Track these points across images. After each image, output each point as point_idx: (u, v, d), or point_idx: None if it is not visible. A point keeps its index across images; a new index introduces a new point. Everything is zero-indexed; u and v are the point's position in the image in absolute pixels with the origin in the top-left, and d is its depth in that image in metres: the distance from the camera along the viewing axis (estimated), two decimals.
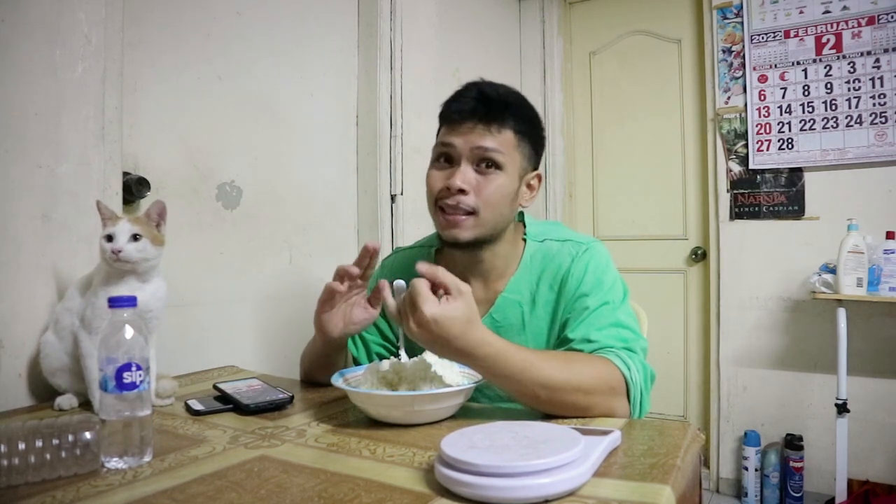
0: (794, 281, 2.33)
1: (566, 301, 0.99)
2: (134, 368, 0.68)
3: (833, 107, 2.26)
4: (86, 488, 0.61)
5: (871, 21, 2.20)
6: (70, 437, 0.64)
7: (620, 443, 0.70)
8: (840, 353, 1.98)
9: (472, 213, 0.96)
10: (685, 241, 2.67)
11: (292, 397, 0.94)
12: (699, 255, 2.62)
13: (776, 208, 2.39)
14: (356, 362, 1.11)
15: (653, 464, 0.64)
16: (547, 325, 1.02)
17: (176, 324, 1.30)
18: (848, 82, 2.24)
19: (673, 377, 2.65)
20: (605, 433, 0.67)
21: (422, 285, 0.77)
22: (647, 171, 2.73)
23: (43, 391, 0.99)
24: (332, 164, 1.82)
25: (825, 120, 2.27)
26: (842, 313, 1.98)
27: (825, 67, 2.27)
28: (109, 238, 0.88)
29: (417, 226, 1.92)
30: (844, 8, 2.24)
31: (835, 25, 2.26)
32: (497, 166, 0.97)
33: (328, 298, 0.95)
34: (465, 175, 0.96)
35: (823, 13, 2.28)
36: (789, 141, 2.34)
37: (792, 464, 2.26)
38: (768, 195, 2.40)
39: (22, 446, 0.62)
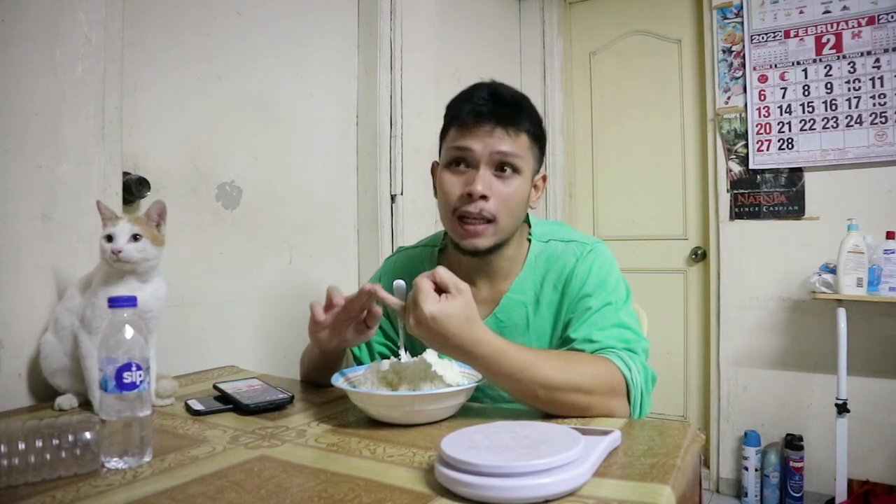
0: (794, 281, 2.33)
1: (569, 301, 0.99)
2: (134, 368, 0.68)
3: (833, 107, 2.26)
4: (86, 488, 0.61)
5: (871, 21, 2.19)
6: (70, 437, 0.64)
7: (620, 443, 0.70)
8: (840, 353, 1.98)
9: (491, 220, 0.95)
10: (685, 241, 2.67)
11: (292, 397, 0.94)
12: (699, 255, 2.62)
13: (776, 208, 2.39)
14: (358, 362, 1.10)
15: (653, 464, 0.64)
16: (550, 326, 1.02)
17: (176, 324, 1.30)
18: (848, 82, 2.23)
19: (673, 377, 2.65)
20: (605, 433, 0.67)
21: (425, 283, 0.78)
22: (647, 171, 2.73)
23: (43, 391, 0.99)
24: (332, 164, 1.82)
25: (825, 120, 2.27)
26: (842, 313, 1.98)
27: (825, 67, 2.27)
28: (109, 238, 0.88)
29: (417, 226, 1.92)
30: (844, 8, 2.24)
31: (835, 25, 2.26)
32: (515, 170, 0.97)
33: (314, 322, 0.93)
34: (485, 180, 0.94)
35: (823, 13, 2.28)
36: (789, 141, 2.34)
37: (792, 464, 2.26)
38: (768, 195, 2.40)
39: (22, 446, 0.62)
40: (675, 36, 2.67)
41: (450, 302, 0.77)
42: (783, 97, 2.35)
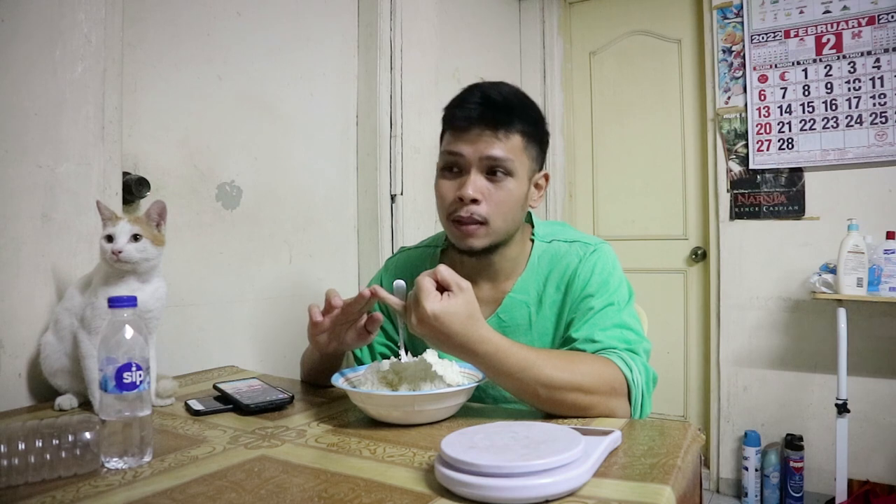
0: (794, 281, 2.33)
1: (572, 301, 0.99)
2: (134, 368, 0.68)
3: (833, 107, 2.26)
4: (86, 488, 0.61)
5: (871, 21, 2.19)
6: (70, 437, 0.64)
7: (621, 443, 0.70)
8: (840, 353, 1.98)
9: (483, 223, 0.96)
10: (685, 241, 2.67)
11: (292, 397, 0.94)
12: (699, 255, 2.62)
13: (776, 208, 2.38)
14: (359, 362, 1.10)
15: (653, 464, 0.64)
16: (553, 326, 1.02)
17: (176, 324, 1.30)
18: (848, 82, 2.23)
19: (673, 377, 2.65)
20: (606, 433, 0.67)
21: (427, 281, 0.78)
22: (647, 171, 2.73)
23: (43, 391, 0.99)
24: (332, 164, 1.82)
25: (825, 120, 2.27)
26: (842, 313, 1.98)
27: (825, 67, 2.27)
28: (109, 238, 0.88)
29: (417, 226, 1.92)
30: (844, 8, 2.24)
31: (835, 25, 2.26)
32: (507, 173, 0.97)
33: (313, 325, 0.93)
34: (476, 184, 0.95)
35: (823, 13, 2.28)
36: (789, 141, 2.34)
37: (792, 464, 2.26)
38: (768, 195, 2.40)
39: (22, 446, 0.62)
40: (675, 36, 2.67)
41: (452, 300, 0.77)
42: (783, 97, 2.35)
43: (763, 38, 2.38)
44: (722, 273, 2.48)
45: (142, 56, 1.29)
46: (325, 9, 1.77)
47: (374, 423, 0.83)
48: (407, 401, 0.80)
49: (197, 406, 0.91)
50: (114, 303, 0.70)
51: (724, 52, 2.47)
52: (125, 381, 0.68)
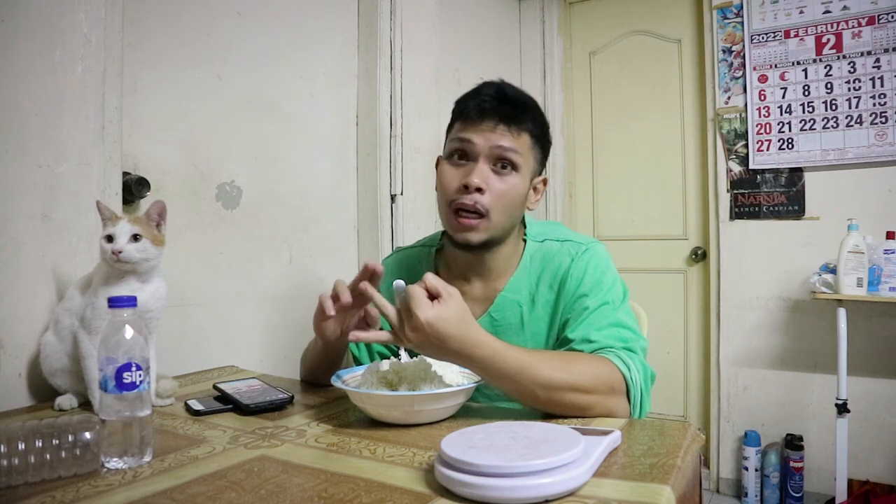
0: (794, 281, 2.33)
1: (566, 301, 0.99)
2: (134, 368, 0.68)
3: (833, 107, 2.26)
4: (86, 488, 0.61)
5: (871, 21, 2.19)
6: (70, 437, 0.64)
7: (620, 443, 0.70)
8: (840, 353, 1.98)
9: (484, 215, 0.96)
10: (685, 241, 2.67)
11: (292, 397, 0.94)
12: (699, 255, 2.62)
13: (776, 208, 2.39)
14: (357, 362, 1.11)
15: (653, 464, 0.64)
16: (546, 326, 1.02)
17: (176, 324, 1.30)
18: (848, 82, 2.23)
19: (673, 377, 2.65)
20: (606, 433, 0.67)
21: (417, 290, 0.77)
22: (647, 172, 2.73)
23: (43, 391, 0.99)
24: (332, 164, 1.82)
25: (825, 120, 2.27)
26: (842, 313, 1.98)
27: (825, 67, 2.27)
28: (110, 238, 0.88)
29: (417, 226, 1.92)
30: (844, 8, 2.24)
31: (835, 25, 2.26)
32: (513, 167, 0.97)
33: (321, 313, 0.93)
34: (482, 173, 0.95)
35: (823, 13, 2.28)
36: (789, 141, 2.34)
37: (792, 464, 2.26)
38: (768, 195, 2.40)
39: (22, 446, 0.62)
40: (675, 36, 2.67)
41: (443, 305, 0.77)
42: (783, 97, 2.35)
43: (763, 38, 2.38)
44: (722, 273, 2.49)
45: (142, 56, 1.29)
46: (325, 9, 1.77)
47: (374, 423, 0.83)
48: (407, 401, 0.80)
49: (197, 406, 0.91)
50: (114, 303, 0.70)
51: (724, 52, 2.47)
52: (125, 381, 0.68)
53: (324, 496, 0.59)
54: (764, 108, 2.38)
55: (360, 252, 1.89)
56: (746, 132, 2.42)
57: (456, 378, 0.88)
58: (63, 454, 0.64)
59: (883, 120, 2.17)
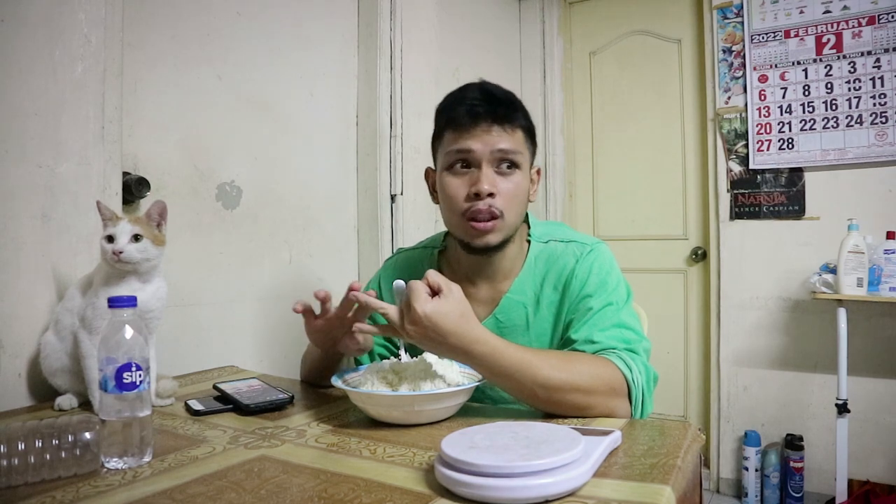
0: (794, 281, 2.33)
1: (570, 302, 0.99)
2: (134, 368, 0.68)
3: (833, 107, 2.26)
4: (86, 488, 0.61)
5: (871, 21, 2.19)
6: (70, 438, 0.64)
7: (621, 443, 0.70)
8: (840, 353, 1.97)
9: (498, 217, 0.96)
10: (685, 241, 2.67)
11: (292, 397, 0.94)
12: (699, 255, 2.62)
13: (776, 208, 2.38)
14: (358, 362, 1.10)
15: (653, 464, 0.64)
16: (551, 326, 1.02)
17: (176, 324, 1.30)
18: (848, 82, 2.23)
19: (673, 377, 2.65)
20: (606, 433, 0.67)
21: (418, 284, 0.78)
22: (647, 171, 2.73)
23: (43, 391, 0.99)
24: (332, 164, 1.82)
25: (825, 120, 2.27)
26: (842, 313, 1.98)
27: (825, 67, 2.27)
28: (110, 239, 0.88)
29: (417, 226, 1.92)
30: (845, 8, 2.24)
31: (835, 25, 2.25)
32: (516, 165, 0.98)
33: (308, 324, 0.94)
34: (489, 178, 0.95)
35: (824, 13, 2.27)
36: (789, 141, 2.34)
37: (792, 464, 2.26)
38: (768, 195, 2.40)
39: (22, 446, 0.62)
40: (675, 36, 2.67)
41: (442, 300, 0.78)
42: (783, 97, 2.35)
43: (763, 37, 2.38)
44: (722, 273, 2.48)
45: (142, 56, 1.29)
46: (325, 9, 1.77)
47: (374, 423, 0.83)
48: (407, 401, 0.80)
49: (197, 406, 0.91)
50: (114, 303, 0.70)
51: (724, 52, 2.47)
52: (125, 381, 0.68)
53: (324, 496, 0.59)
54: (764, 108, 2.38)
55: (360, 252, 1.89)
56: (746, 132, 2.42)
57: (456, 378, 0.87)
58: (63, 454, 0.64)
59: (883, 120, 2.17)
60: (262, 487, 0.61)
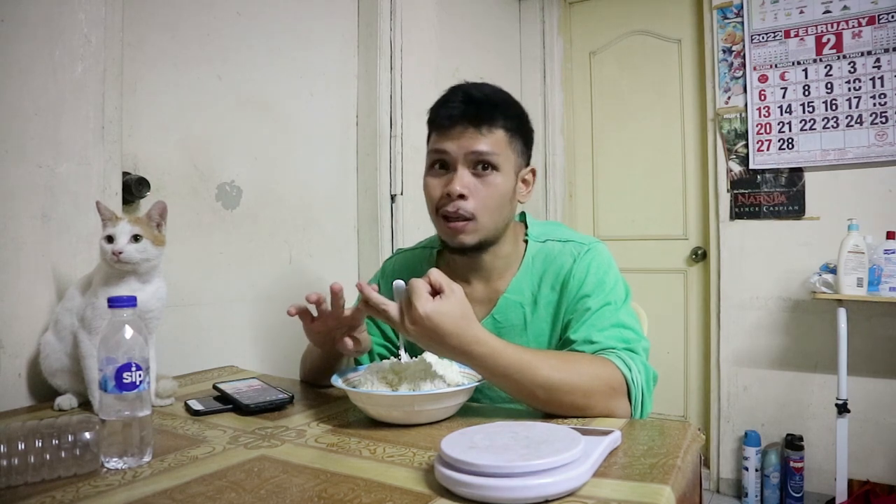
0: (794, 281, 2.33)
1: (568, 302, 0.99)
2: (134, 368, 0.68)
3: (833, 107, 2.26)
4: (86, 488, 0.61)
5: (871, 21, 2.19)
6: (70, 438, 0.64)
7: (620, 443, 0.70)
8: (840, 353, 1.97)
9: (470, 218, 0.96)
10: (685, 241, 2.67)
11: (292, 397, 0.94)
12: (699, 255, 2.62)
13: (776, 208, 2.38)
14: (358, 362, 1.10)
15: (653, 464, 0.64)
16: (549, 326, 1.02)
17: (176, 324, 1.30)
18: (848, 82, 2.23)
19: (673, 377, 2.65)
20: (606, 433, 0.67)
21: (419, 283, 0.78)
22: (647, 171, 2.73)
23: (43, 391, 0.99)
24: (332, 164, 1.82)
25: (825, 120, 2.27)
26: (842, 313, 1.98)
27: (825, 67, 2.27)
28: (110, 239, 0.88)
29: (417, 226, 1.91)
30: (845, 8, 2.24)
31: (835, 25, 2.25)
32: (493, 167, 0.97)
33: (305, 324, 0.94)
34: (462, 180, 0.96)
35: (824, 13, 2.27)
36: (789, 141, 2.34)
37: (792, 464, 2.26)
38: (768, 195, 2.40)
39: (22, 446, 0.62)
40: (675, 36, 2.67)
41: (443, 301, 0.78)
42: (783, 97, 2.35)
43: (763, 37, 2.38)
44: (722, 273, 2.48)
45: (142, 56, 1.29)
46: (325, 9, 1.77)
47: (374, 423, 0.83)
48: (407, 401, 0.80)
49: (197, 406, 0.91)
50: (114, 303, 0.70)
51: (724, 52, 2.47)
52: (125, 381, 0.68)
53: (324, 496, 0.59)
54: (764, 108, 2.38)
55: (360, 252, 1.89)
56: (746, 132, 2.42)
57: (456, 378, 0.87)
58: (63, 454, 0.64)
59: (883, 120, 2.17)
60: (261, 487, 0.61)
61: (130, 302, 0.71)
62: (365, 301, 0.82)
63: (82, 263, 1.05)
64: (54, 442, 0.64)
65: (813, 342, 2.31)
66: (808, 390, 2.32)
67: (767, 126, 2.38)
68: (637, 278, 2.51)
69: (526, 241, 1.07)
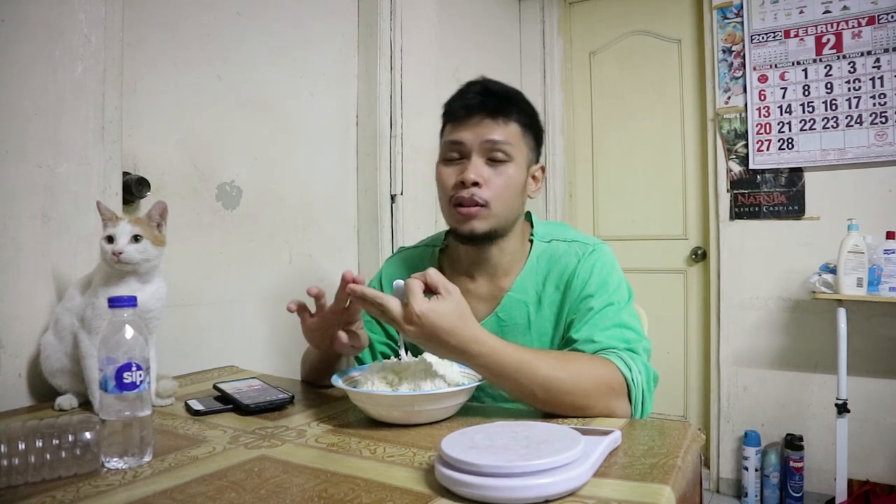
0: (794, 281, 2.33)
1: (571, 302, 0.99)
2: (134, 368, 0.68)
3: (833, 107, 2.26)
4: (86, 488, 0.61)
5: (871, 21, 2.19)
6: (70, 437, 0.64)
7: (621, 443, 0.70)
8: (840, 353, 1.97)
9: (484, 205, 0.97)
10: (685, 241, 2.67)
11: (292, 397, 0.94)
12: (699, 255, 2.62)
13: (776, 208, 2.38)
14: (359, 362, 1.10)
15: (653, 464, 0.64)
16: (552, 326, 1.02)
17: (176, 324, 1.30)
18: (848, 82, 2.23)
19: (673, 377, 2.65)
20: (606, 433, 0.67)
21: (414, 283, 0.78)
22: (647, 171, 2.73)
23: (43, 391, 0.99)
24: (332, 164, 1.82)
25: (825, 120, 2.27)
26: (842, 313, 1.98)
27: (825, 67, 2.27)
28: (110, 239, 0.88)
29: (417, 226, 1.92)
30: (844, 8, 2.24)
31: (835, 25, 2.25)
32: (507, 158, 0.99)
33: (303, 323, 0.94)
34: (477, 168, 0.97)
35: (823, 13, 2.27)
36: (789, 141, 2.34)
37: (792, 464, 2.26)
38: (768, 195, 2.40)
39: (22, 446, 0.62)
40: (675, 36, 2.67)
41: (440, 301, 0.78)
42: (783, 97, 2.35)
43: (763, 38, 2.38)
44: (722, 273, 2.48)
45: (142, 56, 1.29)
46: (325, 9, 1.77)
47: (374, 423, 0.83)
48: (407, 401, 0.80)
49: (197, 406, 0.91)
50: (114, 303, 0.70)
51: (724, 52, 2.47)
52: (125, 381, 0.68)
53: (324, 496, 0.59)
54: (764, 108, 2.38)
55: (360, 252, 1.89)
56: (746, 132, 2.42)
57: (456, 378, 0.87)
58: (63, 454, 0.64)
59: (883, 120, 2.17)
60: (262, 487, 0.61)
61: (130, 302, 0.71)
62: (360, 296, 0.81)
63: (82, 263, 1.05)
64: (55, 442, 0.64)
65: (813, 342, 2.31)
66: (807, 390, 2.32)
67: (767, 126, 2.38)
68: (637, 278, 2.50)
69: (531, 241, 1.08)
